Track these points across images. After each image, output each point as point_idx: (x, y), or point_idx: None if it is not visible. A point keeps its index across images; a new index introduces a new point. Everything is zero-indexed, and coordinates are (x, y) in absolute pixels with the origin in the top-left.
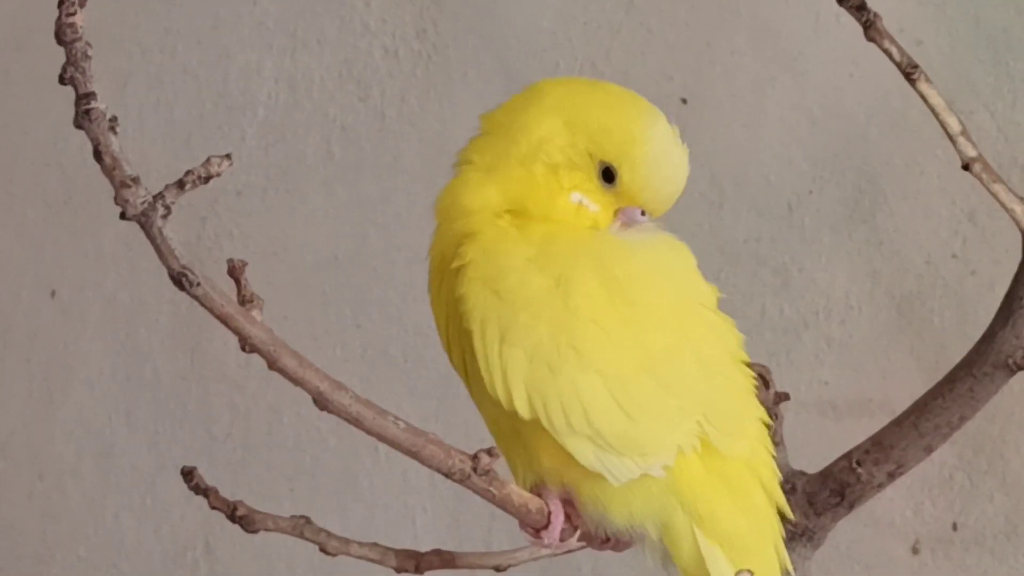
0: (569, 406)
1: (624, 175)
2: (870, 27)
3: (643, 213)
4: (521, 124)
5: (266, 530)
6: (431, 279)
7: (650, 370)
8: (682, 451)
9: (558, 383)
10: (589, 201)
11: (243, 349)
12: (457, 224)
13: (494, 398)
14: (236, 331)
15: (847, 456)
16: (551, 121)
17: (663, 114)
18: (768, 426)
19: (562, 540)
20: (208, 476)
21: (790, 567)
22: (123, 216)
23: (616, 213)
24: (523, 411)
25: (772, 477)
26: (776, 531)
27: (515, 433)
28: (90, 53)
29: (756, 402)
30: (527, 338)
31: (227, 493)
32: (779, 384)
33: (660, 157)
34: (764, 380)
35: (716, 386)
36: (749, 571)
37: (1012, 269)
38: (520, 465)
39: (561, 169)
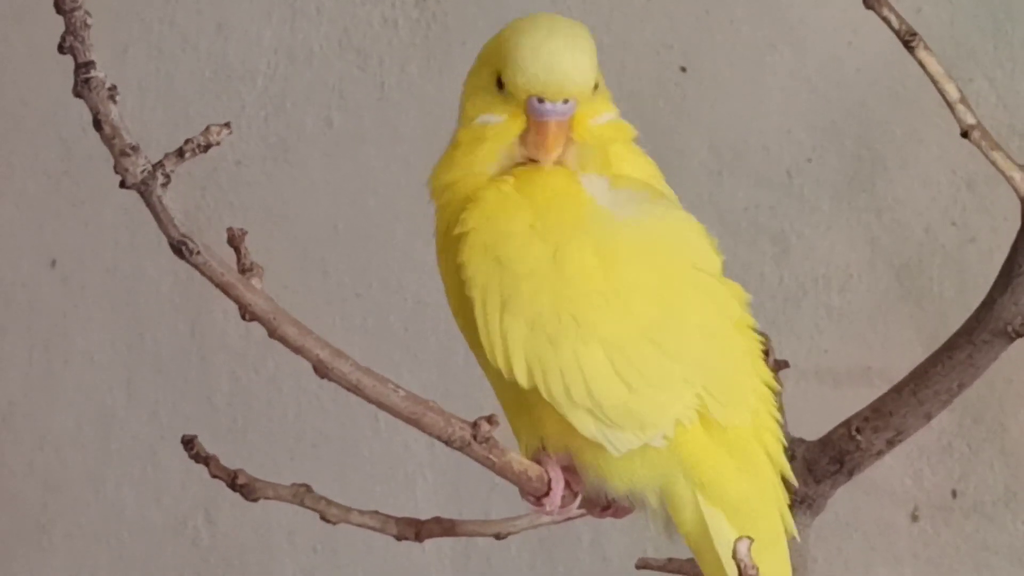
0: (570, 379)
1: (507, 75)
2: None
3: (540, 100)
4: (474, 75)
5: (266, 498)
6: (438, 245)
7: (651, 339)
8: (682, 421)
9: (559, 355)
10: (490, 115)
11: (243, 317)
12: (458, 187)
13: (495, 367)
14: (236, 299)
15: (846, 424)
16: (475, 67)
17: (559, 22)
18: (775, 391)
19: (563, 507)
20: (208, 445)
21: (795, 533)
22: (123, 185)
23: (525, 111)
24: (523, 382)
25: (776, 443)
26: (781, 497)
27: (518, 400)
28: (89, 22)
29: (763, 366)
30: (529, 308)
31: (227, 462)
32: (778, 352)
33: (536, 46)
34: (764, 348)
35: (715, 356)
36: (750, 538)
37: (1011, 236)
38: (524, 432)
39: (468, 100)
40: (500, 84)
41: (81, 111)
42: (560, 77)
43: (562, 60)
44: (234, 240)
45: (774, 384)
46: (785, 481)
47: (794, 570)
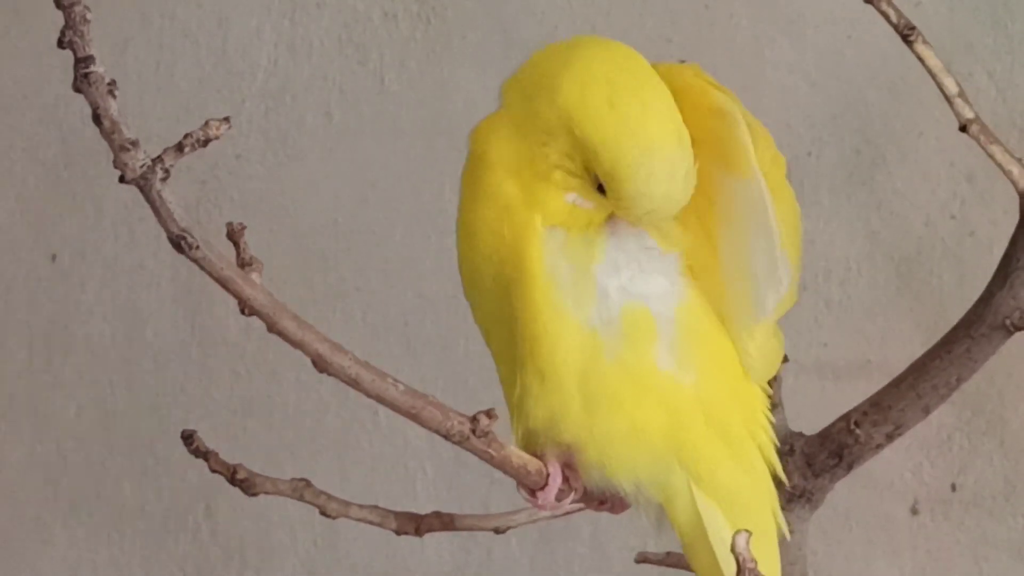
0: None
1: (611, 198)
2: None
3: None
4: (532, 110)
5: (266, 493)
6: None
7: None
8: (683, 409)
9: None
10: (583, 200)
11: (242, 312)
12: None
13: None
14: (235, 294)
15: (845, 417)
16: (559, 127)
17: (665, 144)
18: (766, 392)
19: (558, 501)
20: (208, 439)
21: (786, 531)
22: (122, 180)
23: (611, 216)
24: None
25: (769, 442)
26: (773, 493)
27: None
28: (89, 17)
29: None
30: None
31: (227, 457)
32: None
33: (643, 191)
34: None
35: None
36: (747, 531)
37: (1011, 230)
38: (521, 417)
39: (558, 171)
40: (601, 188)
41: (81, 106)
42: (664, 216)
43: (668, 205)
44: (233, 235)
45: (766, 387)
46: (776, 480)
47: (792, 564)
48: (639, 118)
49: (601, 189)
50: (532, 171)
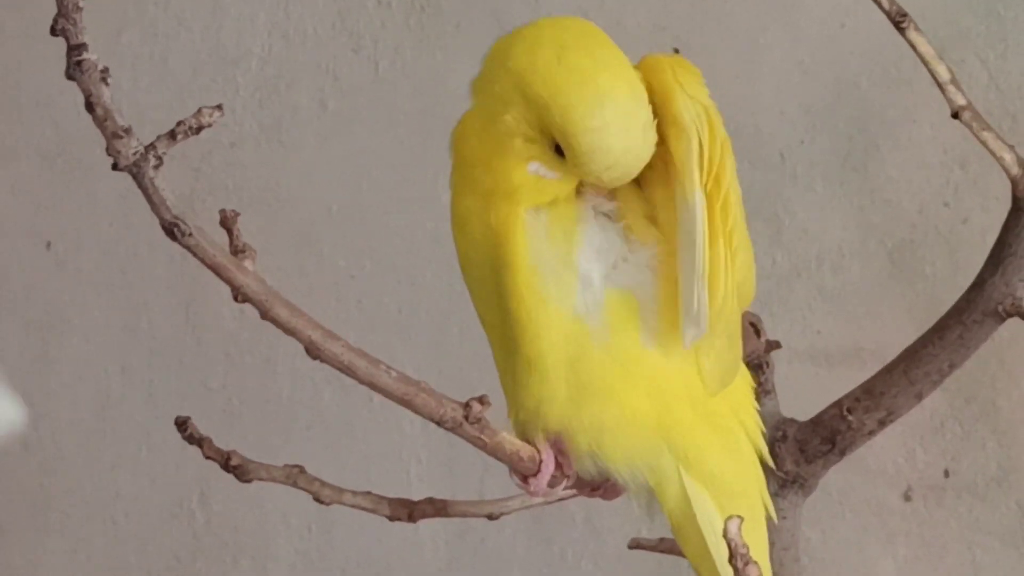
0: None
1: (568, 158)
2: None
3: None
4: (491, 90)
5: (260, 480)
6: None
7: None
8: (670, 393)
9: None
10: (547, 170)
11: (235, 299)
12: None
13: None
14: (228, 281)
15: (838, 404)
16: (512, 92)
17: (617, 95)
18: (752, 379)
19: (551, 487)
20: (203, 427)
21: (774, 515)
22: (115, 167)
23: (580, 191)
24: None
25: (755, 426)
26: (761, 478)
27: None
28: (81, 4)
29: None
30: None
31: (221, 444)
32: (771, 333)
33: (598, 144)
34: (756, 328)
35: None
36: (739, 517)
37: (1003, 217)
38: (517, 401)
39: (518, 139)
40: (559, 151)
41: (76, 94)
42: (624, 173)
43: (627, 159)
44: (226, 222)
45: (747, 373)
46: (764, 464)
47: (785, 549)
48: (589, 70)
49: (560, 152)
50: (496, 150)
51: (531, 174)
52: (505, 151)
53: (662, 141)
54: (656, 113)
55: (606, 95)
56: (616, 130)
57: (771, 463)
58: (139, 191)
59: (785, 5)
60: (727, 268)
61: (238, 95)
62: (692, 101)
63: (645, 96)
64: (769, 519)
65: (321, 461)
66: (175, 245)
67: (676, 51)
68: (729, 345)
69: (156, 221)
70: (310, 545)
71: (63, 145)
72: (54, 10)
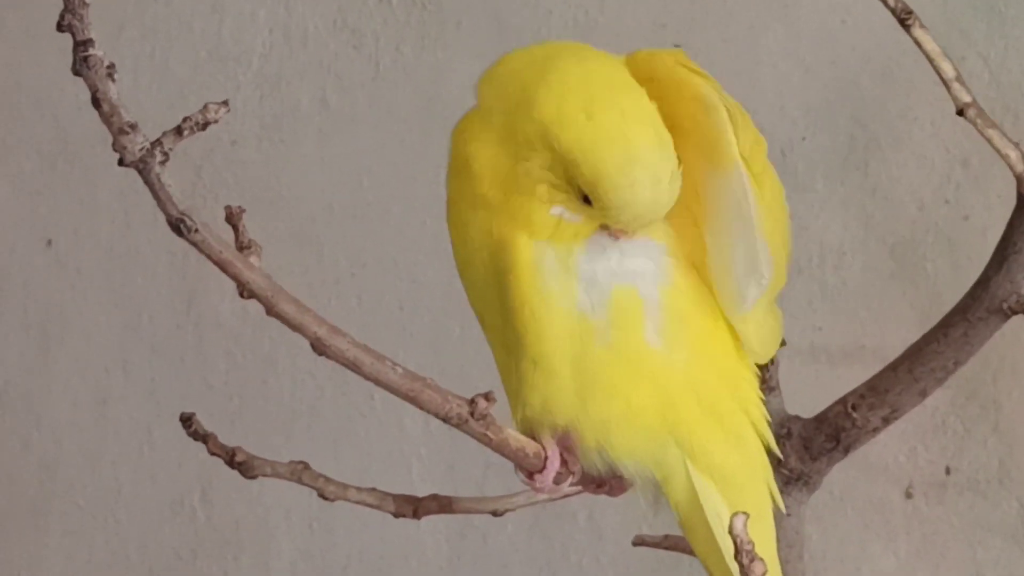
0: None
1: (596, 208)
2: None
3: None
4: (510, 124)
5: (264, 476)
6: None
7: None
8: (675, 388)
9: None
10: (571, 215)
11: (241, 295)
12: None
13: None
14: (234, 277)
15: (842, 401)
16: (539, 141)
17: (647, 152)
18: (757, 373)
19: (556, 484)
20: (204, 425)
21: (782, 505)
22: (121, 163)
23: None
24: None
25: (761, 417)
26: (767, 469)
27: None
28: (87, 0)
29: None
30: None
31: (223, 441)
32: None
33: (628, 199)
34: None
35: None
36: (745, 513)
37: (1005, 214)
38: (519, 400)
39: (542, 185)
40: (586, 199)
41: (77, 91)
42: (651, 220)
43: (655, 209)
44: (232, 218)
45: (755, 368)
46: (770, 454)
47: (789, 546)
48: (618, 127)
49: (587, 200)
50: (516, 187)
51: (555, 216)
52: (527, 191)
53: (675, 132)
54: (669, 108)
55: (636, 153)
56: (645, 186)
57: (779, 454)
58: (140, 189)
59: (785, 3)
60: (769, 231)
61: (239, 93)
62: (707, 79)
63: (671, 145)
64: (777, 510)
65: (322, 459)
66: (176, 243)
67: (677, 47)
68: (772, 309)
69: (157, 219)
70: (311, 542)
71: (63, 143)
72: (55, 8)
